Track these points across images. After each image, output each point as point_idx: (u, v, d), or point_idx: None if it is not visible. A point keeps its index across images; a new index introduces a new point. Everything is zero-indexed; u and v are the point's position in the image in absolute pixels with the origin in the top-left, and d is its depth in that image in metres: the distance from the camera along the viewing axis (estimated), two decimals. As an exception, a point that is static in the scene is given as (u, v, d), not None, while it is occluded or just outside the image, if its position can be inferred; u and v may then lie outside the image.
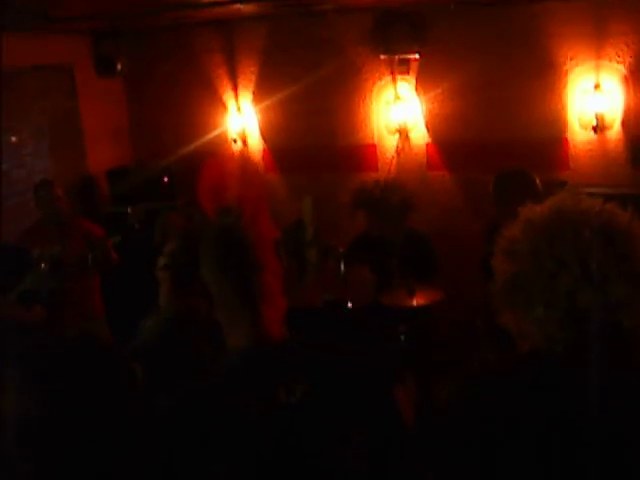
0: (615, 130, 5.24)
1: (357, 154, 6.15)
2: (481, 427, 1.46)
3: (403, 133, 5.90)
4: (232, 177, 1.99)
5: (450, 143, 5.80)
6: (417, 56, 5.72)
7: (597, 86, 5.19)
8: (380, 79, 5.96)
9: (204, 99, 6.69)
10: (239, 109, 6.55)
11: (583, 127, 5.29)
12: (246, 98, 6.53)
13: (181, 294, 2.69)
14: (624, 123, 5.20)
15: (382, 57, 5.84)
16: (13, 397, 1.42)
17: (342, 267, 4.79)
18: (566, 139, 5.38)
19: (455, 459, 1.51)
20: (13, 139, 5.97)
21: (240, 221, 1.89)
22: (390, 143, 6.02)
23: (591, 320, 1.43)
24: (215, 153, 5.85)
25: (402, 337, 4.54)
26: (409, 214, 5.13)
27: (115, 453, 1.48)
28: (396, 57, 5.79)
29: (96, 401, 1.46)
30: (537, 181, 3.94)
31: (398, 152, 5.97)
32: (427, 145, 5.90)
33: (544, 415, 1.42)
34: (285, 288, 1.96)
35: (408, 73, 5.81)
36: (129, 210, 5.37)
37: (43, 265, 4.43)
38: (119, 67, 6.69)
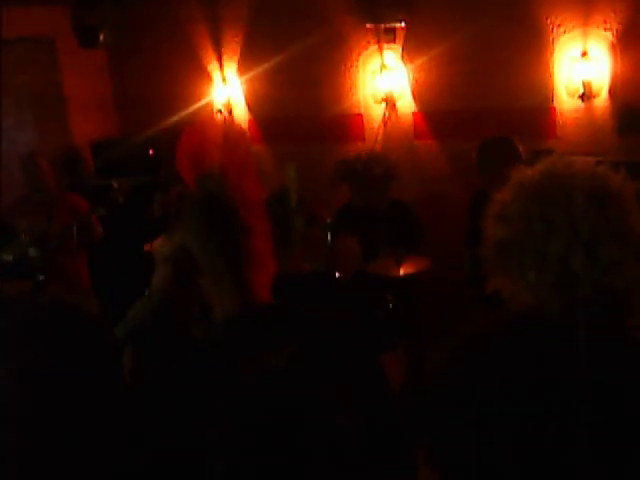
0: (602, 98, 5.20)
1: (343, 124, 6.11)
2: (479, 392, 1.45)
3: (390, 102, 5.86)
4: (213, 143, 1.96)
5: (437, 112, 5.77)
6: (403, 25, 5.66)
7: (584, 53, 5.14)
8: (366, 48, 5.91)
9: (189, 70, 6.63)
10: (224, 79, 6.49)
11: (570, 95, 5.26)
12: (231, 68, 6.47)
13: (181, 282, 2.66)
14: (611, 91, 5.16)
15: (368, 26, 5.78)
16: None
17: (329, 237, 4.78)
18: (553, 107, 5.35)
19: (454, 425, 1.50)
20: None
21: (223, 184, 1.86)
22: (376, 112, 5.98)
23: (583, 283, 1.42)
24: (195, 121, 5.80)
25: (390, 305, 4.54)
26: (392, 184, 5.11)
27: (97, 421, 1.46)
28: (382, 26, 5.72)
29: (76, 370, 1.44)
30: (520, 149, 3.92)
31: (385, 121, 5.94)
32: (414, 114, 5.86)
33: (542, 376, 1.41)
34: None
35: (394, 42, 5.75)
36: (115, 185, 5.32)
37: (24, 237, 4.39)
38: (102, 38, 6.59)
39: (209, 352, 1.83)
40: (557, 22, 5.21)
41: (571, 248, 1.41)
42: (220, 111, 6.44)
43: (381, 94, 5.86)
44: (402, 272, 4.53)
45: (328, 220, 4.76)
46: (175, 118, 6.25)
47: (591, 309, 1.42)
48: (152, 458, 1.63)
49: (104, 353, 1.50)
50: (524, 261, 1.46)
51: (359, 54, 5.95)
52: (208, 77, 6.57)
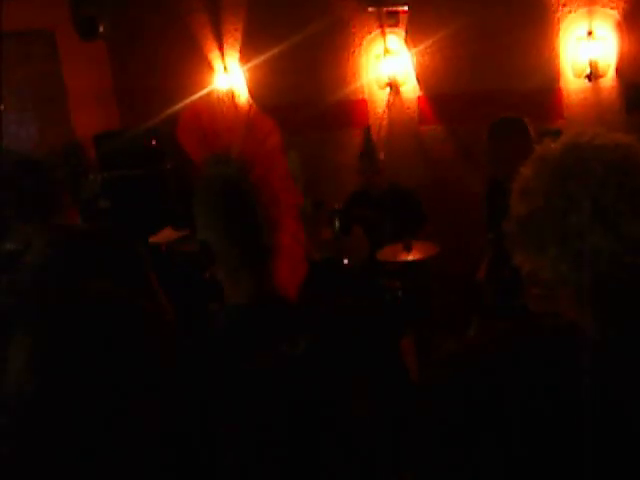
0: (609, 77, 5.15)
1: (347, 110, 6.05)
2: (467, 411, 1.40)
3: (394, 87, 5.80)
4: (231, 123, 1.86)
5: (442, 95, 5.70)
6: (406, 8, 5.60)
7: (590, 33, 5.08)
8: (369, 33, 5.85)
9: (190, 60, 6.57)
10: (226, 68, 6.44)
11: (577, 75, 5.20)
12: (233, 57, 6.41)
13: None
14: (618, 70, 5.10)
15: (370, 10, 5.72)
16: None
17: (337, 225, 4.75)
18: (559, 88, 5.29)
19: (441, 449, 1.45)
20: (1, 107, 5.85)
21: (246, 175, 1.76)
22: (381, 98, 5.92)
23: (605, 259, 1.36)
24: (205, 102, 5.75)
25: (399, 292, 4.51)
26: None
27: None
28: (384, 9, 5.67)
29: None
30: (531, 129, 3.87)
31: (389, 106, 5.88)
32: (418, 98, 5.80)
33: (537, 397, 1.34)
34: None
35: (397, 26, 5.69)
36: (91, 177, 5.20)
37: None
38: (101, 30, 6.55)
39: (220, 341, 1.77)
40: (562, 1, 5.15)
41: (591, 224, 1.35)
42: (223, 100, 6.39)
43: (385, 79, 5.80)
44: (411, 258, 4.49)
45: (336, 207, 4.73)
46: (177, 108, 6.20)
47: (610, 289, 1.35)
48: (163, 447, 1.59)
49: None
50: (544, 237, 1.40)
51: (362, 39, 5.89)
52: (209, 66, 6.51)
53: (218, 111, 1.91)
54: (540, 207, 1.40)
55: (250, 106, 1.88)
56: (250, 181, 1.75)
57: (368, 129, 5.53)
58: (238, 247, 1.75)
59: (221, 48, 6.45)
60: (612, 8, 5.00)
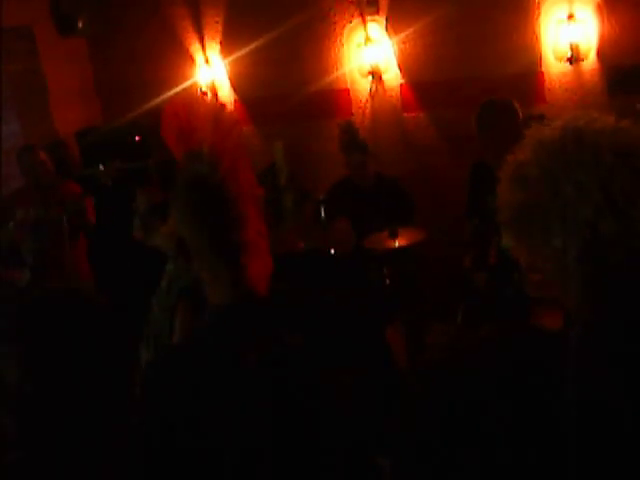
0: (590, 60, 5.15)
1: (330, 99, 6.03)
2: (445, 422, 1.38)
3: (376, 75, 5.78)
4: (202, 119, 1.87)
5: (424, 82, 5.69)
6: (386, -5, 5.60)
7: (571, 16, 5.08)
8: (349, 21, 5.83)
9: (171, 53, 6.54)
10: (207, 61, 6.41)
11: (558, 59, 5.21)
12: (214, 49, 6.38)
13: None
14: (599, 53, 5.11)
15: (350, -2, 5.72)
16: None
17: (322, 215, 4.74)
18: (541, 72, 5.30)
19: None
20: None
21: (215, 170, 1.76)
22: (363, 86, 5.91)
23: (615, 248, 1.31)
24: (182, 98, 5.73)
25: (386, 279, 4.51)
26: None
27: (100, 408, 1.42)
28: (364, -3, 5.66)
29: (81, 354, 1.40)
30: (519, 111, 3.87)
31: (372, 95, 5.87)
32: (401, 86, 5.79)
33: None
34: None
35: (378, 13, 5.68)
36: (101, 167, 5.26)
37: (11, 225, 4.32)
38: (80, 25, 6.51)
39: (203, 341, 1.76)
40: (542, -15, 5.15)
41: (601, 212, 1.27)
42: (205, 93, 6.36)
43: (367, 67, 5.79)
44: (398, 245, 4.49)
45: (320, 197, 4.72)
46: (159, 102, 6.16)
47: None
48: (152, 448, 1.59)
49: (102, 333, 1.46)
50: (549, 227, 1.34)
51: (343, 28, 5.87)
52: (191, 59, 6.48)
53: (195, 106, 1.89)
54: (543, 195, 1.33)
55: (215, 98, 1.88)
56: (220, 176, 1.75)
57: (350, 121, 5.51)
58: (214, 244, 1.75)
59: (202, 41, 6.42)
60: (592, -9, 5.01)
